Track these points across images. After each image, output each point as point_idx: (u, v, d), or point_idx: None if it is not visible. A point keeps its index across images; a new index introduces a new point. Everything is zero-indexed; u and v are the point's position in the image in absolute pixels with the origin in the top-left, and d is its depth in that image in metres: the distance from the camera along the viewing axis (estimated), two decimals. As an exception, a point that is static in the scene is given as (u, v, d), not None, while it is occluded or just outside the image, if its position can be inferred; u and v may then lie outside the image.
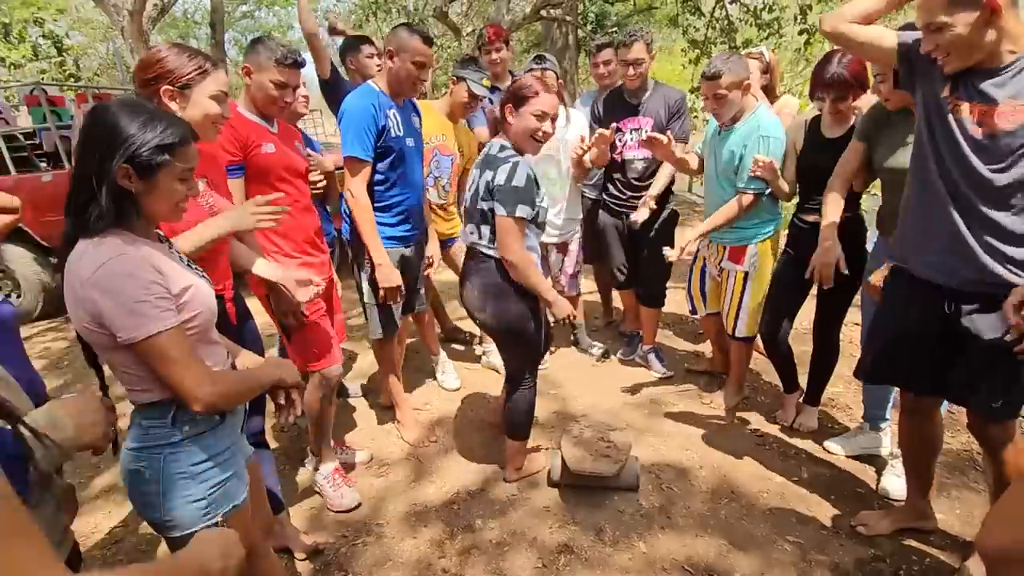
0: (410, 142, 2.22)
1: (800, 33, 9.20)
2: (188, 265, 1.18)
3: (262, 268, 1.65)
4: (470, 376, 3.04)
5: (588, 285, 3.82)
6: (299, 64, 1.83)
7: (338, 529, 1.99)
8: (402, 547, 1.89)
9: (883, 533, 1.81)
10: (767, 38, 9.34)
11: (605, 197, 2.96)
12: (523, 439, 2.13)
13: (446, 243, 2.87)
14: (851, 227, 2.12)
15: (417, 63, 2.09)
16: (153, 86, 1.37)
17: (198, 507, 1.14)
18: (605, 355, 3.18)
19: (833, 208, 1.96)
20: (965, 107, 1.37)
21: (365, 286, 2.30)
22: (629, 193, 2.82)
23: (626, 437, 2.15)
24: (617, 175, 2.85)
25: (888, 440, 2.20)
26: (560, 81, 2.83)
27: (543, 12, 8.16)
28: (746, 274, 2.41)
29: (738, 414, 2.56)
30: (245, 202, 1.54)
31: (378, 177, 2.18)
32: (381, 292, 2.22)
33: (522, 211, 1.77)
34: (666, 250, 2.34)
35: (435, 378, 3.00)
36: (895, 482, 1.99)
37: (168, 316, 1.03)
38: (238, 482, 1.23)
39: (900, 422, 1.77)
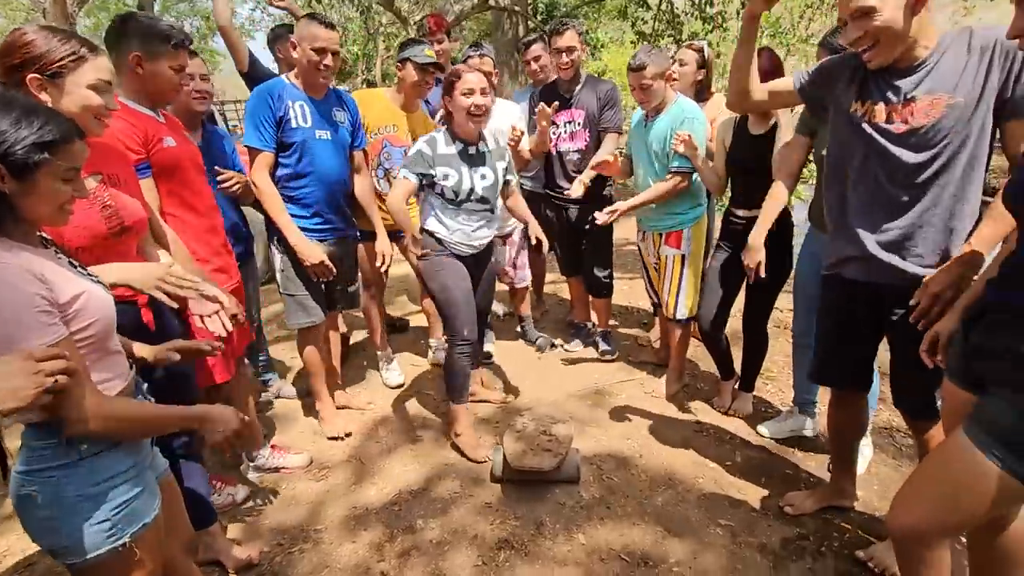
0: (323, 134, 2.19)
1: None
2: (79, 270, 1.09)
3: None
4: (416, 373, 3.00)
5: (550, 277, 3.85)
6: (191, 43, 1.73)
7: (274, 537, 1.92)
8: (340, 552, 1.84)
9: (808, 512, 1.89)
10: (711, 31, 9.57)
11: (546, 190, 2.97)
12: (456, 402, 2.27)
13: (401, 235, 2.80)
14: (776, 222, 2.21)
15: (317, 49, 2.08)
16: (19, 73, 1.21)
17: (101, 529, 1.06)
18: (552, 346, 3.20)
19: (773, 206, 2.02)
20: (880, 109, 1.41)
21: (279, 276, 2.29)
22: (567, 184, 2.82)
23: (568, 430, 2.17)
24: (554, 168, 2.89)
25: (815, 422, 2.31)
26: (495, 71, 2.84)
27: (491, 2, 8.08)
28: (683, 257, 2.52)
29: (678, 403, 2.63)
30: (159, 265, 1.39)
31: (284, 169, 2.17)
32: (309, 271, 2.21)
33: (404, 172, 2.11)
34: (596, 213, 2.44)
35: (380, 375, 2.96)
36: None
37: (51, 330, 0.95)
38: (148, 499, 1.15)
39: (829, 410, 1.84)
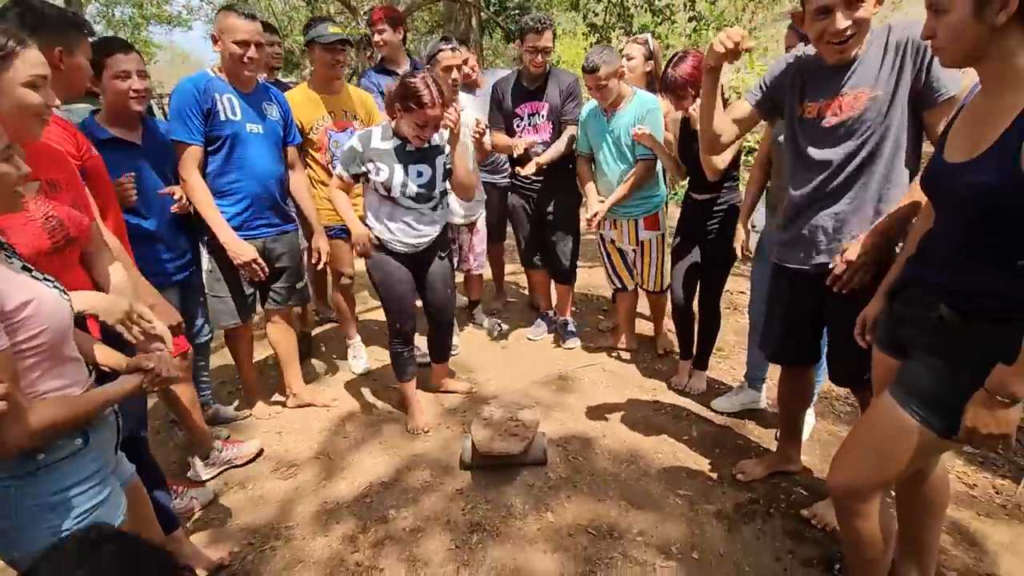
0: (253, 128, 2.18)
1: (689, 20, 9.73)
2: (31, 273, 1.06)
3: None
4: (382, 367, 3.01)
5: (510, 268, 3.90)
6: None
7: (244, 537, 1.91)
8: (313, 547, 1.85)
9: (758, 478, 2.03)
10: (661, 23, 9.80)
11: (514, 180, 3.05)
12: (400, 381, 2.47)
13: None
14: (718, 207, 2.38)
15: (238, 42, 2.06)
16: None
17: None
18: (499, 329, 3.29)
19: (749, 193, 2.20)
20: (814, 107, 1.53)
21: (205, 276, 2.27)
22: (533, 180, 2.91)
23: (534, 415, 2.24)
24: (519, 158, 2.91)
25: (764, 396, 2.46)
26: (473, 64, 2.97)
27: (443, -7, 7.99)
28: (662, 236, 2.72)
29: (637, 383, 2.74)
30: (123, 300, 1.33)
31: (213, 164, 2.15)
32: (241, 270, 2.20)
33: (339, 169, 2.19)
34: (585, 219, 2.58)
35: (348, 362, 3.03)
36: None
37: None
38: (111, 507, 1.14)
39: (779, 384, 1.98)
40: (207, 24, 20.40)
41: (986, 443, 1.08)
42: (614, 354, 3.02)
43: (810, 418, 2.29)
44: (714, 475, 2.09)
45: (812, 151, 1.55)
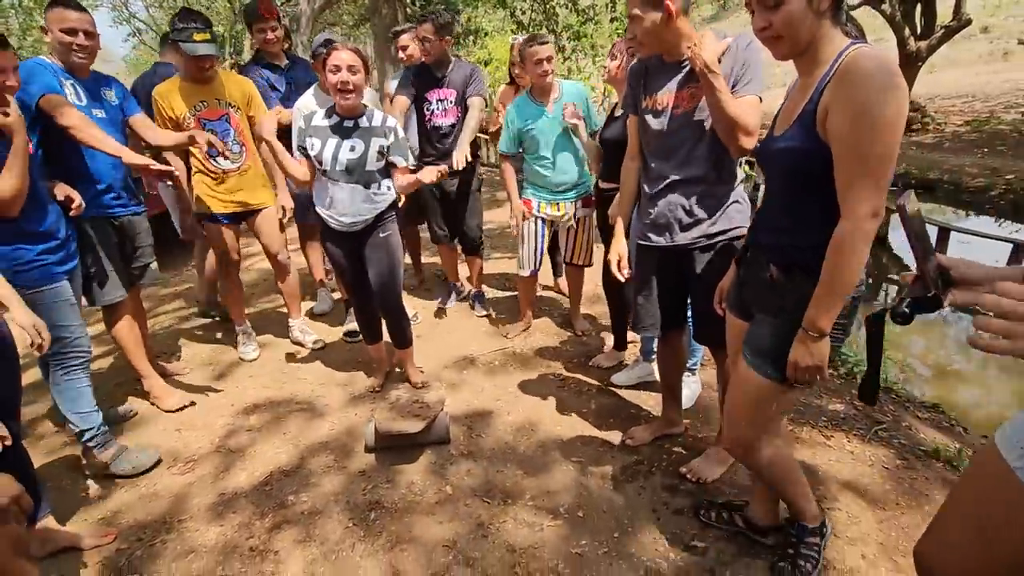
0: (97, 113, 2.24)
1: (611, 21, 10.09)
2: None
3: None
4: (282, 356, 2.97)
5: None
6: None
7: (132, 534, 1.86)
8: (206, 537, 1.83)
9: (645, 442, 2.19)
10: (584, 23, 10.09)
11: (420, 162, 3.13)
12: (367, 344, 2.69)
13: (254, 214, 2.84)
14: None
15: (66, 30, 2.10)
16: None
17: None
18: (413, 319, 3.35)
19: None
20: (652, 99, 1.72)
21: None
22: (441, 161, 2.99)
23: (439, 395, 2.30)
24: (431, 142, 3.11)
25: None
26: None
27: (365, -15, 7.87)
28: (593, 213, 2.87)
29: (544, 363, 2.86)
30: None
31: (67, 148, 2.15)
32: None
33: (296, 151, 2.30)
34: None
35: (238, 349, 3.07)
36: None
37: None
38: None
39: (658, 352, 2.15)
40: (112, 11, 19.02)
41: (806, 375, 1.25)
42: (523, 337, 3.13)
43: (695, 386, 2.49)
44: (606, 442, 2.23)
45: (653, 133, 1.73)
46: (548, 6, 9.63)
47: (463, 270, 3.70)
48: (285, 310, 3.23)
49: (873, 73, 1.08)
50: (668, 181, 1.73)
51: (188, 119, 2.57)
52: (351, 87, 2.15)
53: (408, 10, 9.65)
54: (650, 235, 1.83)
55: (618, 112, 2.48)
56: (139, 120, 2.45)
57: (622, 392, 2.60)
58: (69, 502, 2.02)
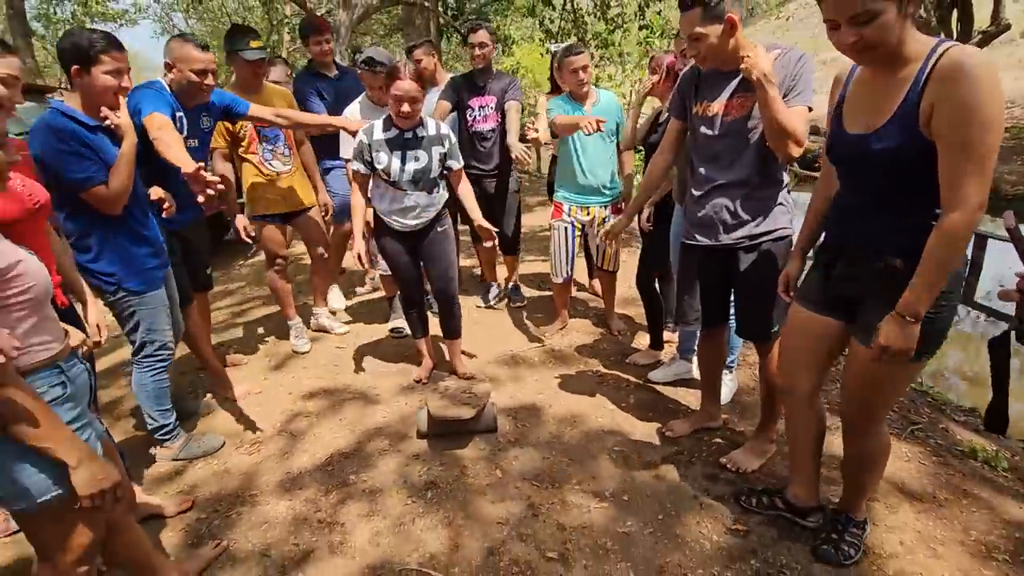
0: (191, 143, 2.32)
1: (640, 29, 10.17)
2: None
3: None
4: (334, 346, 3.14)
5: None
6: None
7: (209, 505, 2.03)
8: (277, 509, 1.99)
9: (684, 434, 2.28)
10: (613, 31, 10.21)
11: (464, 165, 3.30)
12: (414, 337, 2.86)
13: (301, 213, 3.05)
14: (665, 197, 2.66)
15: (197, 71, 2.21)
16: None
17: (44, 478, 1.16)
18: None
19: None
20: (703, 106, 1.82)
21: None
22: (483, 164, 3.30)
23: (485, 387, 2.43)
24: (473, 146, 3.29)
25: (695, 366, 2.73)
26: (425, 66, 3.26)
27: (401, -3, 8.14)
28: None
29: (582, 360, 2.97)
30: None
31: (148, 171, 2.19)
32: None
33: (355, 165, 2.41)
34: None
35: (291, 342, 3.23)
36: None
37: None
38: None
39: (699, 347, 2.24)
40: (154, 22, 19.81)
41: (896, 357, 1.31)
42: (560, 335, 3.25)
43: (732, 383, 2.57)
44: (646, 434, 2.33)
45: (705, 138, 1.83)
46: (577, 15, 9.77)
47: (500, 271, 3.84)
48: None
49: (981, 74, 1.12)
50: (715, 184, 1.83)
51: (244, 127, 2.78)
52: (413, 114, 2.32)
53: (441, 20, 9.90)
54: (696, 235, 1.93)
55: (662, 119, 2.60)
56: (255, 112, 2.53)
57: (659, 388, 2.69)
58: (148, 476, 2.20)
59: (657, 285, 2.85)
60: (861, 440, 1.57)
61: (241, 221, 2.85)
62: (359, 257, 2.43)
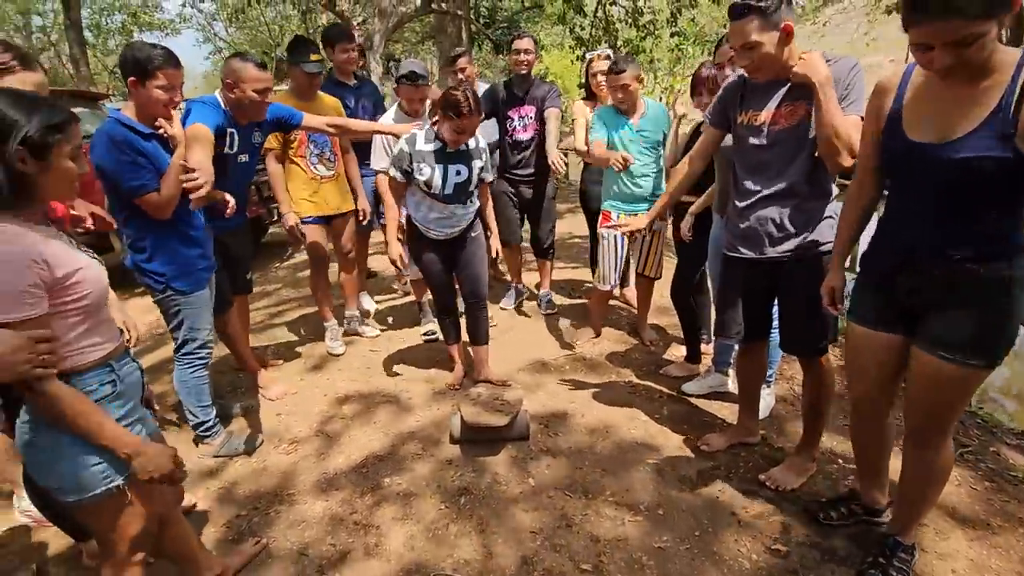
0: (242, 158, 2.45)
1: (671, 36, 10.10)
2: (78, 248, 1.25)
3: None
4: (368, 352, 3.18)
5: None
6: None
7: (249, 503, 2.08)
8: (314, 509, 2.03)
9: (721, 448, 2.24)
10: (644, 38, 10.15)
11: (504, 173, 3.43)
12: (447, 343, 2.90)
13: (339, 217, 3.14)
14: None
15: (258, 90, 2.28)
16: None
17: (97, 471, 1.22)
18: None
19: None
20: (749, 115, 1.79)
21: None
22: (521, 171, 3.39)
23: (518, 394, 2.44)
24: (512, 155, 3.38)
25: (731, 379, 2.68)
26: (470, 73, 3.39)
27: (434, 5, 8.26)
28: (665, 225, 3.02)
29: (614, 369, 2.95)
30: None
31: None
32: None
33: (392, 171, 2.43)
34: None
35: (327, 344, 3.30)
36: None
37: (30, 308, 1.07)
38: None
39: (736, 361, 2.21)
40: (197, 31, 20.54)
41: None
42: (592, 343, 3.23)
43: (769, 398, 2.52)
44: (680, 447, 2.29)
45: (751, 148, 1.80)
46: (608, 22, 9.75)
47: (527, 276, 3.86)
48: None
49: None
50: (761, 195, 1.80)
51: (297, 131, 2.83)
52: (461, 142, 2.40)
53: (473, 27, 10.02)
54: (739, 247, 1.91)
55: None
56: (309, 122, 2.61)
57: (693, 400, 2.65)
58: (191, 476, 2.26)
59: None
60: (926, 454, 1.52)
61: (292, 219, 2.92)
62: (399, 259, 2.50)
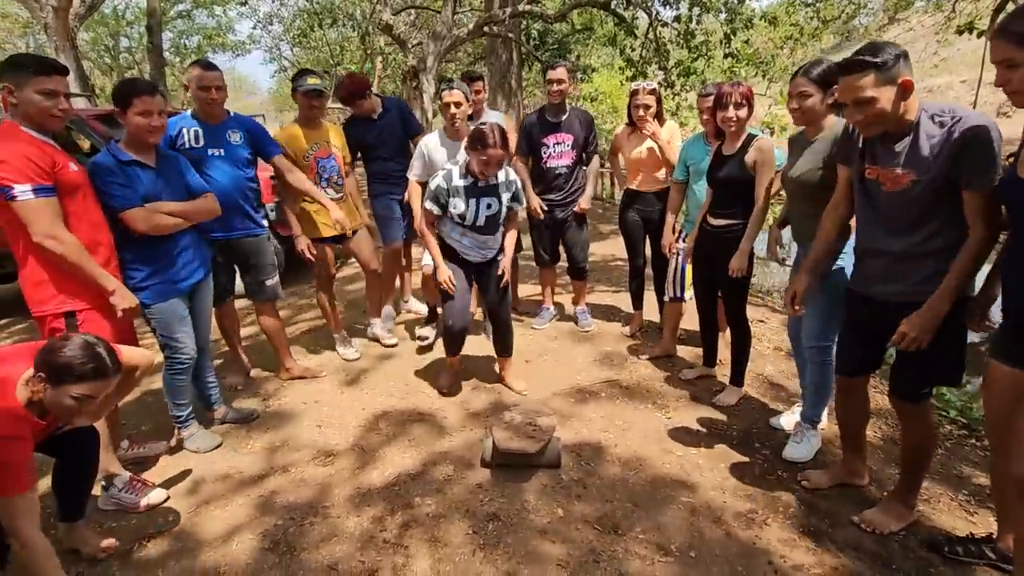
0: (214, 151, 2.70)
1: (725, 57, 9.96)
2: None
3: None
4: (408, 372, 3.25)
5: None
6: (61, 70, 1.92)
7: (286, 513, 2.15)
8: (347, 524, 2.07)
9: (822, 487, 2.16)
10: (696, 60, 10.05)
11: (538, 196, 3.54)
12: (447, 355, 2.98)
13: (346, 237, 3.31)
14: (732, 232, 2.62)
15: (203, 87, 2.59)
16: None
17: None
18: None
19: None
20: (874, 171, 1.75)
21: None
22: (554, 195, 3.50)
23: (551, 421, 2.43)
24: (546, 180, 3.49)
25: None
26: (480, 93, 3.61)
27: (486, 28, 8.48)
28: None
29: (650, 399, 2.90)
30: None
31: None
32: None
33: (428, 204, 2.65)
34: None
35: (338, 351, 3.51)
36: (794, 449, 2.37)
37: None
38: None
39: (836, 398, 2.14)
40: (265, 51, 21.83)
41: None
42: (629, 370, 3.19)
43: (815, 439, 2.40)
44: (717, 486, 2.22)
45: (875, 204, 1.78)
46: (659, 43, 9.72)
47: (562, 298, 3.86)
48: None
49: None
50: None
51: (307, 156, 3.10)
52: (489, 174, 2.57)
53: (523, 49, 10.21)
54: (865, 284, 1.86)
55: (725, 151, 2.59)
56: (277, 162, 2.88)
57: (733, 434, 2.57)
58: (231, 480, 2.37)
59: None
60: None
61: (303, 243, 3.11)
62: (447, 281, 2.73)
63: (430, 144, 3.21)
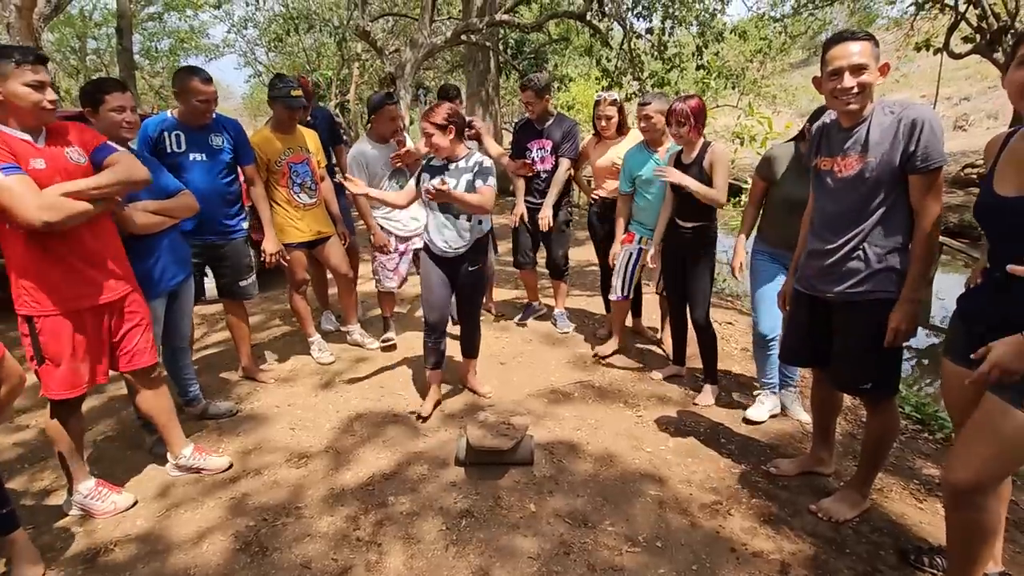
0: (195, 156, 2.71)
1: (697, 69, 10.23)
2: None
3: None
4: (377, 366, 3.26)
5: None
6: (43, 59, 1.75)
7: (259, 514, 2.14)
8: (320, 524, 2.08)
9: (790, 474, 2.27)
10: (670, 71, 10.31)
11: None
12: (425, 366, 2.92)
13: (322, 241, 3.33)
14: (699, 234, 2.77)
15: (203, 100, 2.62)
16: None
17: None
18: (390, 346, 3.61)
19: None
20: (828, 161, 1.86)
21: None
22: (536, 196, 3.64)
23: (524, 420, 2.47)
24: (528, 184, 3.64)
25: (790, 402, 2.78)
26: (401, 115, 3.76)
27: (463, 37, 8.57)
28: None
29: (621, 398, 2.97)
30: None
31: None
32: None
33: (411, 183, 2.79)
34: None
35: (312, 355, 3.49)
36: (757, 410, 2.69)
37: None
38: None
39: (812, 388, 2.27)
40: (239, 56, 21.58)
41: (1007, 378, 1.28)
42: (602, 371, 3.26)
43: (774, 400, 2.68)
44: (684, 479, 2.29)
45: (826, 192, 1.88)
46: (633, 54, 9.94)
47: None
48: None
49: None
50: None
51: (280, 161, 3.10)
52: (435, 148, 2.60)
53: (501, 58, 10.32)
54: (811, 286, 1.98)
55: (684, 160, 2.74)
56: (247, 171, 2.93)
57: (700, 431, 2.65)
58: (204, 486, 2.34)
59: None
60: (968, 505, 1.44)
61: (274, 247, 3.03)
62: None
63: (366, 153, 3.28)
